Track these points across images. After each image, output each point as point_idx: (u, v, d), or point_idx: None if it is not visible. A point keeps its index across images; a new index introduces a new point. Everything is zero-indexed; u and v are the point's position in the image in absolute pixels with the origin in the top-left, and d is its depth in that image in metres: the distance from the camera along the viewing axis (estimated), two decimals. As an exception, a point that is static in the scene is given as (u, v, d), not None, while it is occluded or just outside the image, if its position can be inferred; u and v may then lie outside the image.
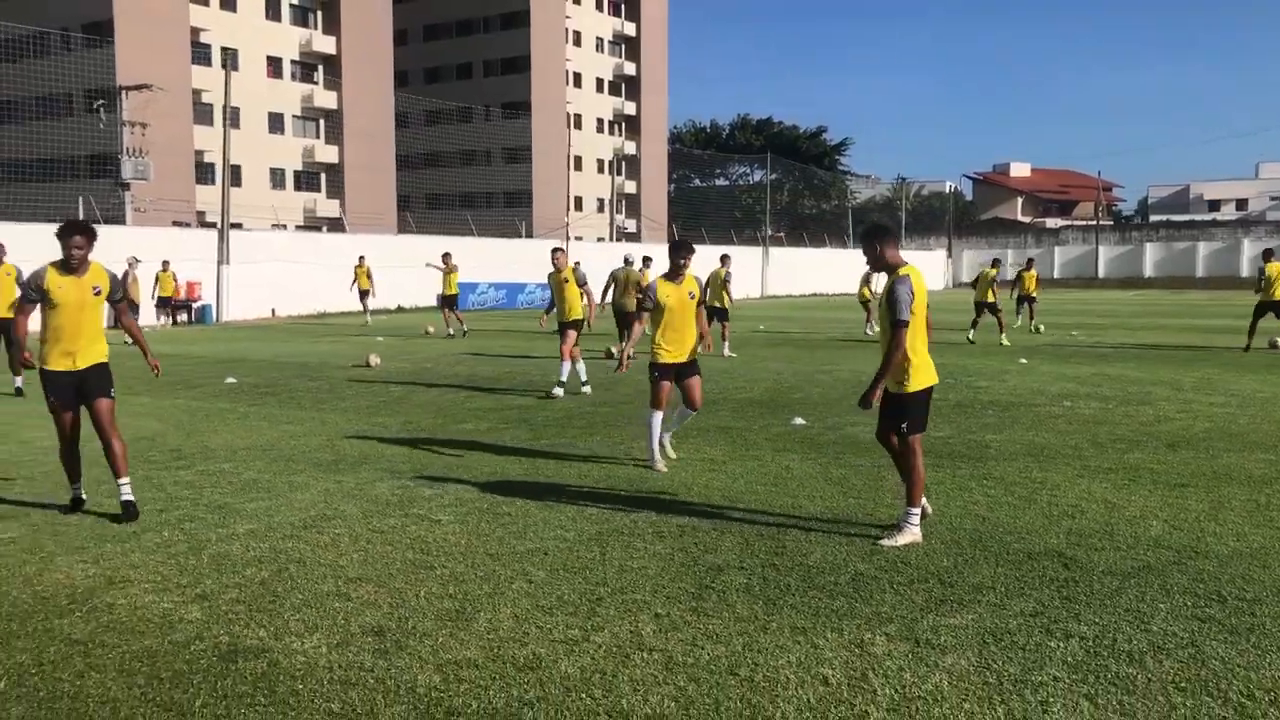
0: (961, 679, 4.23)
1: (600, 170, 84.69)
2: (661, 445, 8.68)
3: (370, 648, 4.60)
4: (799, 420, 11.05)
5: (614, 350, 19.08)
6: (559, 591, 5.37)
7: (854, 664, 4.39)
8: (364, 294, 29.31)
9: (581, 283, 13.39)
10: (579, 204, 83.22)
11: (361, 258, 30.05)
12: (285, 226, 55.28)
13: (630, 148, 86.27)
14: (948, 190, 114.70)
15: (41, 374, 6.93)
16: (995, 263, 24.01)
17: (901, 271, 6.22)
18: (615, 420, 11.22)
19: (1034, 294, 25.45)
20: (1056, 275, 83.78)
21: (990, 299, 22.17)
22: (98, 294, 6.91)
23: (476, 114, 76.79)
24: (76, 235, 6.78)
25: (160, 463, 8.88)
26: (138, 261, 24.22)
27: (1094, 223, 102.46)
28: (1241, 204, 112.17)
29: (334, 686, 4.19)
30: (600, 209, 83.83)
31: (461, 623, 4.91)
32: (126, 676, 4.29)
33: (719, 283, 19.11)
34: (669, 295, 8.35)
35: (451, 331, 24.95)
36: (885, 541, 6.15)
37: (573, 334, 13.12)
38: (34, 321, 6.91)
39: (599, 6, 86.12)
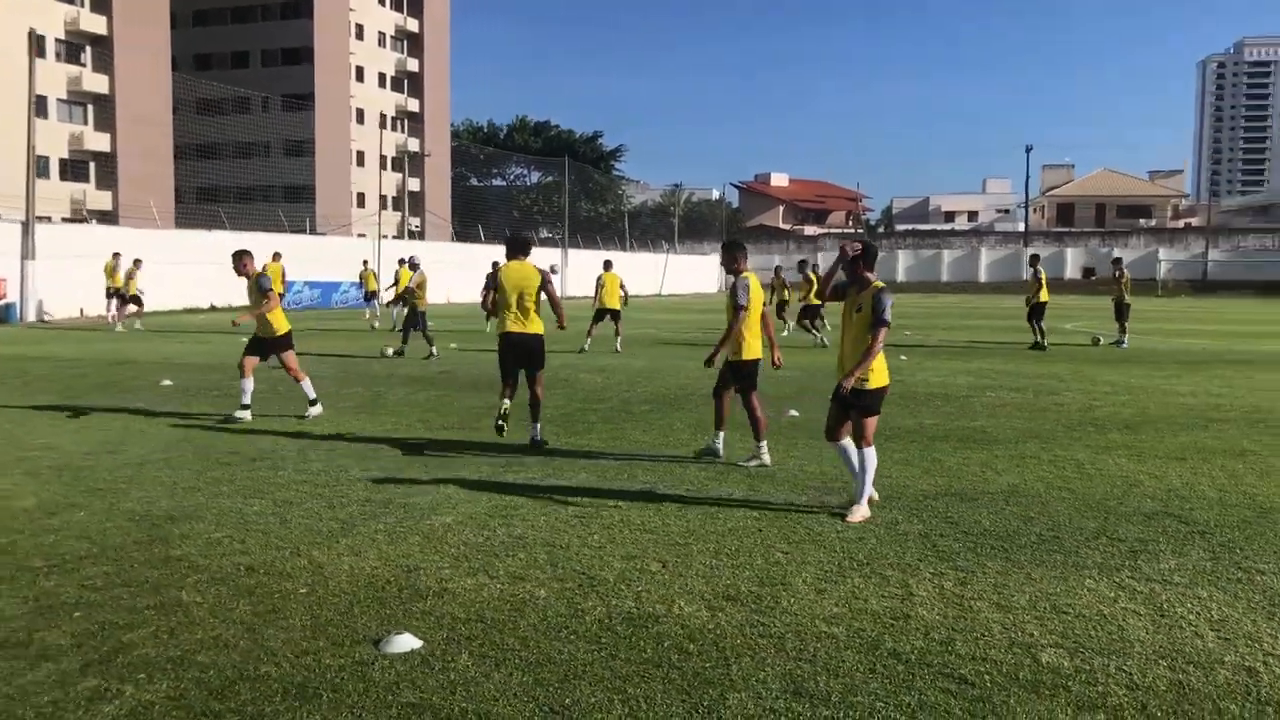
0: (1232, 606, 5.33)
1: (384, 167, 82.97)
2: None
3: (745, 609, 5.20)
4: (794, 412, 12.06)
5: (389, 350, 19.46)
6: (824, 560, 6.09)
7: (1141, 599, 5.41)
8: (117, 293, 28.13)
9: (264, 290, 11.41)
10: (361, 200, 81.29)
11: (116, 254, 28.92)
12: (50, 219, 51.08)
13: (413, 144, 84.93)
14: (715, 197, 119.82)
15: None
16: (803, 263, 25.63)
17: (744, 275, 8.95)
18: (635, 415, 11.86)
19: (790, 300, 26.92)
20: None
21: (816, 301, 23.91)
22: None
23: (254, 104, 73.55)
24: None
25: (245, 467, 8.79)
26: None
27: (850, 230, 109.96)
28: (973, 215, 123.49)
29: (762, 640, 4.79)
30: (384, 206, 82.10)
31: (784, 587, 5.57)
32: (597, 647, 4.67)
33: (617, 285, 20.78)
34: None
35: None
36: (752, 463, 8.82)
37: (290, 353, 11.49)
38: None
39: (381, 1, 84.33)
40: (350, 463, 8.91)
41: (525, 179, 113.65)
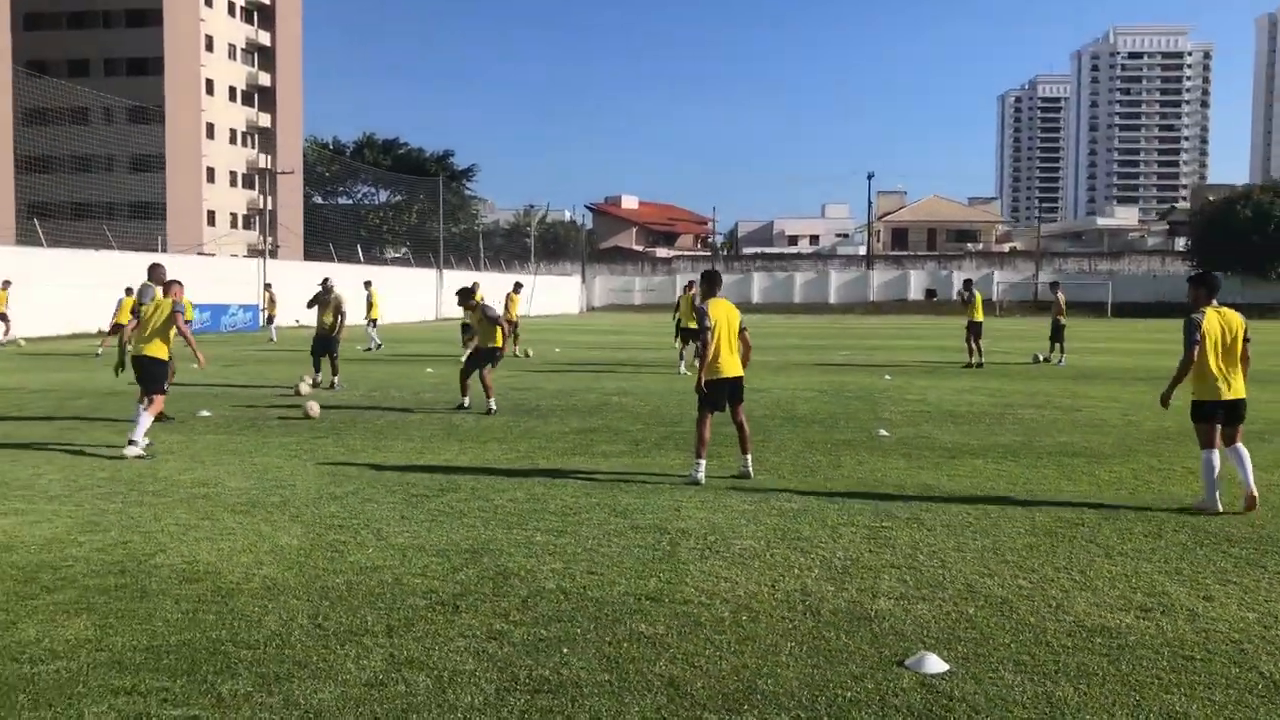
0: None
1: (234, 184, 79.79)
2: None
3: (1169, 618, 5.54)
4: (884, 432, 12.52)
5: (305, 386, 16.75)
6: (1158, 569, 6.50)
7: None
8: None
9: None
10: (211, 219, 77.83)
11: (7, 283, 28.71)
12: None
13: (264, 161, 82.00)
14: (567, 218, 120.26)
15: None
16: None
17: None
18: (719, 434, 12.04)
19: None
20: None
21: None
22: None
23: (94, 115, 69.53)
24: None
25: (444, 499, 8.57)
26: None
27: (700, 253, 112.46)
28: (814, 239, 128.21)
29: (1228, 645, 5.16)
30: (234, 224, 78.98)
31: (1167, 596, 5.94)
32: (1098, 656, 4.96)
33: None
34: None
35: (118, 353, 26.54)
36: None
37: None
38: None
39: (231, 12, 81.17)
40: (545, 490, 8.82)
41: (373, 197, 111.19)
